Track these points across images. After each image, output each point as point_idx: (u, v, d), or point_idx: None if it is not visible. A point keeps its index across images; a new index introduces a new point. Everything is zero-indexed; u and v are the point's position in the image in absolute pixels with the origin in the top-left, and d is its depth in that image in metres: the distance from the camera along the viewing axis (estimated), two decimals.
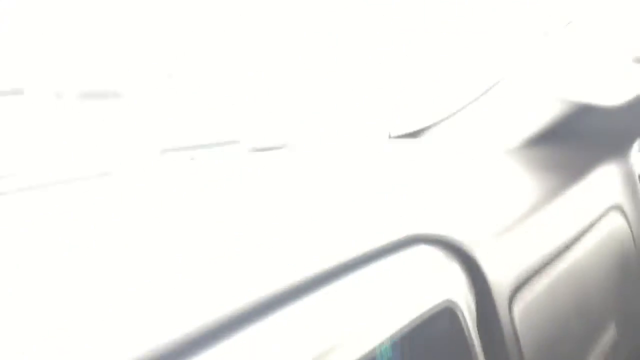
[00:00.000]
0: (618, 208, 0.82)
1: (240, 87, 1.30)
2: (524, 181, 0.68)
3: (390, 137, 0.83)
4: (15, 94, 1.06)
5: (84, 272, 0.31)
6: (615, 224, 0.80)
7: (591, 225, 0.73)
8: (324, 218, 0.41)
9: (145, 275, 0.31)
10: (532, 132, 0.81)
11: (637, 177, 0.88)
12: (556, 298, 0.61)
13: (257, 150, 0.74)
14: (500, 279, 0.51)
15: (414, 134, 0.82)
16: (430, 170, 0.60)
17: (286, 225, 0.39)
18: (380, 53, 1.31)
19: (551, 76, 0.79)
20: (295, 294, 0.34)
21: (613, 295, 0.76)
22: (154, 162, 0.62)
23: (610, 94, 0.80)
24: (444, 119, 0.82)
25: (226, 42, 1.31)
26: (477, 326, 0.49)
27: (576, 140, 0.87)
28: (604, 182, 0.81)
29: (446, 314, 0.42)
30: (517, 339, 0.52)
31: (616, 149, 0.88)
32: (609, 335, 0.72)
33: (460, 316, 0.43)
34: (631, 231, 0.84)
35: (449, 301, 0.42)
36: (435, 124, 0.82)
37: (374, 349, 0.36)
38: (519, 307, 0.53)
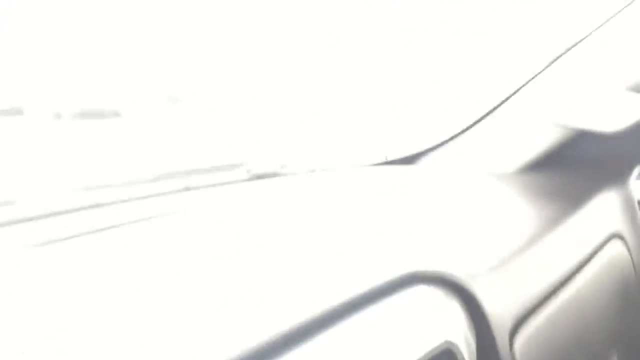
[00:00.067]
0: (618, 236, 0.81)
1: (240, 111, 1.30)
2: (523, 209, 0.67)
3: (386, 160, 0.83)
4: (15, 114, 1.06)
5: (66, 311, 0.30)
6: (616, 251, 0.80)
7: (592, 255, 0.73)
8: (319, 257, 0.41)
9: (133, 318, 0.30)
10: (530, 158, 0.81)
11: (636, 204, 0.88)
12: (557, 330, 0.60)
13: (255, 177, 0.73)
14: (500, 313, 0.51)
15: (410, 159, 0.82)
16: (427, 200, 0.60)
17: (280, 268, 0.39)
18: (377, 76, 1.31)
19: (549, 102, 0.79)
20: (291, 339, 0.34)
21: (614, 323, 0.75)
22: (150, 190, 0.61)
23: (608, 121, 0.80)
24: (441, 143, 0.82)
25: (226, 63, 1.31)
26: None
27: (574, 167, 0.87)
28: (604, 210, 0.81)
29: (446, 356, 0.42)
30: None
31: (615, 175, 0.88)
32: None
33: (459, 358, 0.42)
34: (631, 258, 0.83)
35: (449, 342, 0.41)
36: (432, 149, 0.82)
37: None
38: (519, 342, 0.53)
